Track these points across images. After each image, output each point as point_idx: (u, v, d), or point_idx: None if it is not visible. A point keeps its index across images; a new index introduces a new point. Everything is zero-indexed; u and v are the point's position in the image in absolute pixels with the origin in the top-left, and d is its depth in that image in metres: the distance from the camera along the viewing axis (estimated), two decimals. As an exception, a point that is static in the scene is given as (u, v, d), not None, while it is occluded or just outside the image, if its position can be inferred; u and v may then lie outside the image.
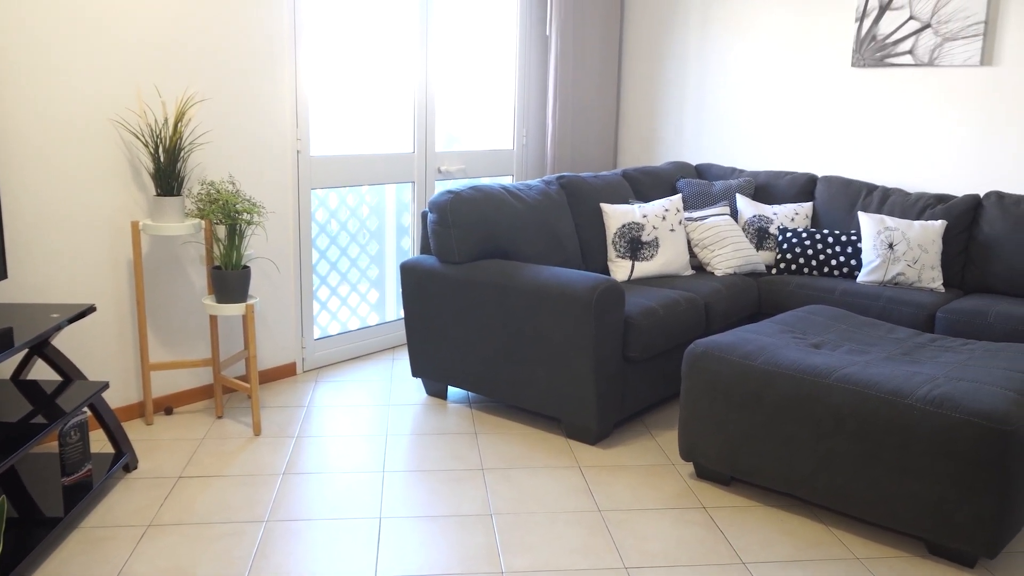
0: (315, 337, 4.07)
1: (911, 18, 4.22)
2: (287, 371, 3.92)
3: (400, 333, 4.48)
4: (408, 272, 3.57)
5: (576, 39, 4.94)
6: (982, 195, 4.05)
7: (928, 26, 4.17)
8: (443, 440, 3.25)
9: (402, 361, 4.21)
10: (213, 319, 3.42)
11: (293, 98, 3.73)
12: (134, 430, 3.27)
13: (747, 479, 2.80)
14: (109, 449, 3.09)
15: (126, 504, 2.69)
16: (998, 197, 3.92)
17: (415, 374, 3.69)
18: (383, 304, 4.44)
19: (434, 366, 3.60)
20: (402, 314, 4.50)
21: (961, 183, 4.22)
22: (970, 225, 3.96)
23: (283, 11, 3.62)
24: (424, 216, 3.63)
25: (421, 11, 4.24)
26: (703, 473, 2.97)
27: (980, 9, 4.02)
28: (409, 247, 4.51)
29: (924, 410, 2.39)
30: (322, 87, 3.92)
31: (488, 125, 4.87)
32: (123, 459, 2.85)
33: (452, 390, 3.78)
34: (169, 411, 3.45)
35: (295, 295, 3.89)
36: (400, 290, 4.51)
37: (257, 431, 3.27)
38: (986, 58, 4.08)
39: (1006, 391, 2.43)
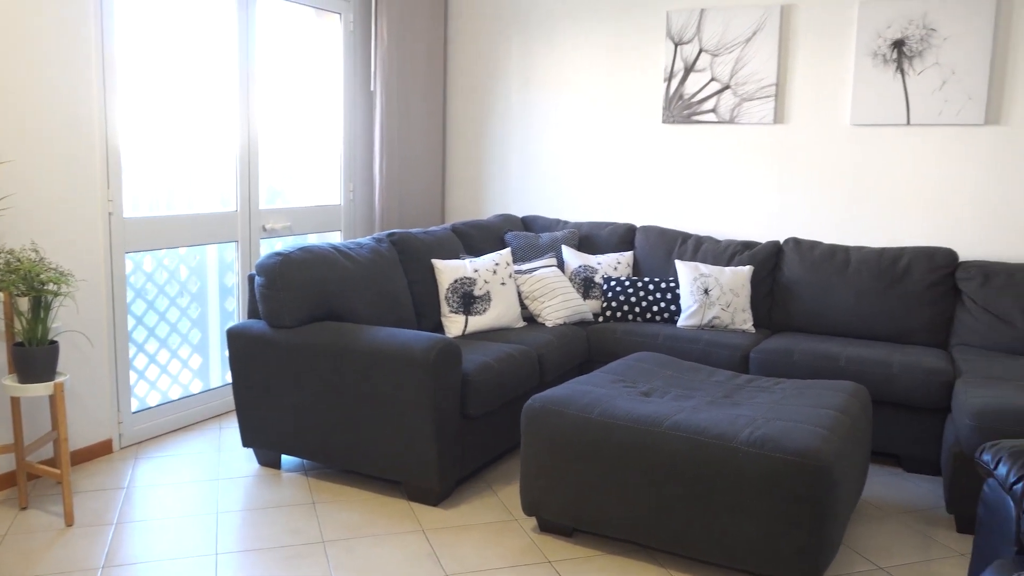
0: (133, 410, 3.79)
1: (713, 79, 4.56)
2: (102, 449, 3.63)
3: (227, 400, 4.27)
4: (235, 338, 3.42)
5: (401, 94, 4.97)
6: (782, 241, 4.41)
7: (728, 87, 4.53)
8: (279, 513, 3.11)
9: (230, 430, 4.01)
10: (15, 400, 3.11)
11: (104, 158, 3.51)
12: (-80, 531, 2.91)
13: (590, 529, 2.85)
14: None
15: (-87, 621, 2.38)
16: (795, 243, 4.28)
17: (246, 444, 3.52)
18: (207, 370, 4.22)
19: (266, 435, 3.45)
20: (228, 379, 4.31)
21: (764, 230, 4.58)
22: (773, 269, 4.29)
23: (91, 66, 3.41)
24: (251, 279, 3.50)
25: (242, 64, 4.13)
26: (546, 526, 3.01)
27: (771, 73, 4.42)
28: (234, 308, 4.33)
29: (748, 452, 2.55)
30: (136, 145, 3.72)
31: (314, 180, 4.79)
32: (-92, 568, 2.52)
33: (286, 458, 3.64)
34: (-37, 506, 3.10)
35: (109, 366, 3.62)
36: (225, 354, 4.31)
37: (69, 521, 2.99)
38: (778, 117, 4.47)
39: (816, 428, 2.64)
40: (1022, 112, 3.99)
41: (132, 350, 3.81)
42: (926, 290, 3.95)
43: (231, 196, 4.20)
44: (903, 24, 4.13)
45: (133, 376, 3.82)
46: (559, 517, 2.90)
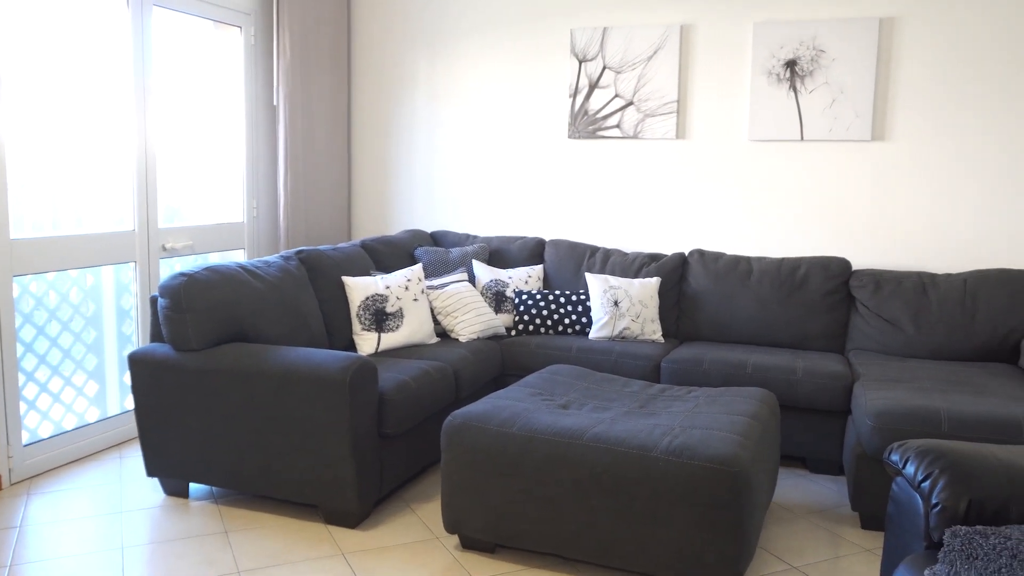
0: (24, 443, 3.57)
1: (616, 96, 4.66)
2: (-10, 486, 3.40)
3: (127, 428, 4.07)
4: (138, 363, 3.26)
5: (304, 108, 4.88)
6: (687, 253, 4.53)
7: (631, 103, 4.64)
8: (190, 545, 2.98)
9: (132, 459, 3.82)
10: None
11: (-13, 175, 3.30)
12: None
13: (514, 544, 2.85)
14: None
15: None
16: (700, 254, 4.41)
17: (150, 474, 3.36)
18: (104, 397, 4.01)
19: (173, 463, 3.30)
20: (127, 406, 4.12)
21: (669, 242, 4.71)
22: (679, 280, 4.41)
23: (-29, 79, 3.21)
24: (153, 301, 3.36)
25: (137, 78, 3.97)
26: (468, 544, 2.99)
27: (672, 90, 4.55)
28: (132, 332, 4.13)
29: (668, 461, 2.59)
30: (25, 162, 3.52)
31: (216, 197, 4.64)
32: None
33: (194, 486, 3.49)
34: None
35: (-3, 397, 3.40)
36: (122, 379, 4.12)
37: (-43, 565, 2.78)
38: (680, 132, 4.61)
39: (731, 435, 2.71)
40: (904, 129, 4.23)
41: (21, 379, 3.59)
42: (823, 298, 4.13)
43: (128, 214, 4.02)
44: (795, 45, 4.32)
45: (23, 407, 3.60)
46: (481, 534, 2.89)
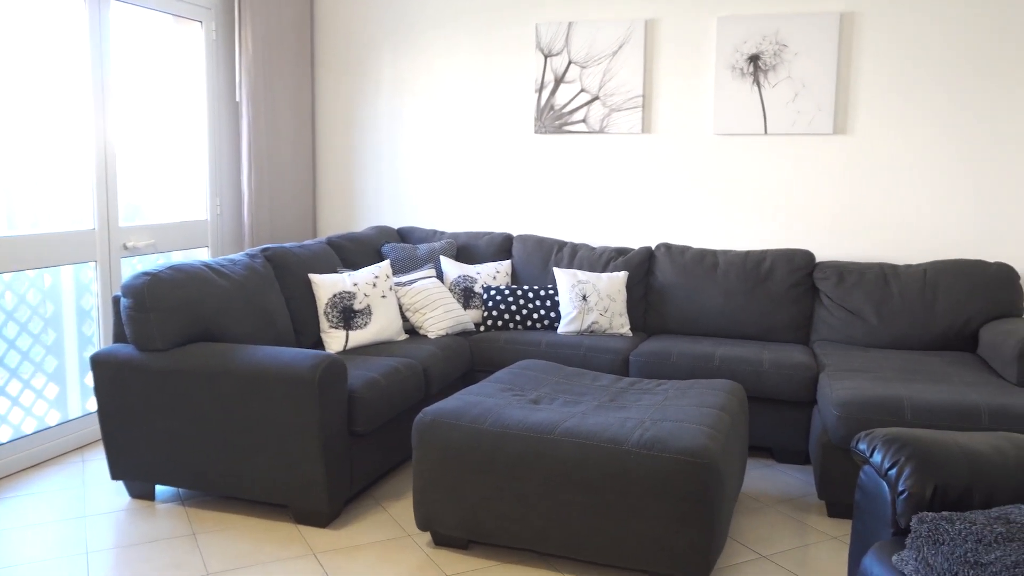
0: (-18, 448, 3.49)
1: (582, 91, 4.67)
2: (-52, 493, 3.32)
3: (89, 430, 4.00)
4: (101, 365, 3.21)
5: (268, 104, 4.82)
6: (654, 247, 4.56)
7: (597, 98, 4.65)
8: (157, 548, 2.93)
9: (95, 462, 3.75)
10: None
11: (-60, 174, 3.22)
12: None
13: (486, 540, 2.85)
14: None
15: None
16: (667, 248, 4.44)
17: (115, 477, 3.30)
18: (64, 399, 3.94)
19: (139, 465, 3.25)
20: (89, 408, 4.04)
21: (636, 236, 4.73)
22: (646, 274, 4.43)
23: (-78, 75, 3.12)
24: (116, 301, 3.30)
25: (96, 73, 3.89)
26: (441, 540, 2.98)
27: (638, 85, 4.57)
28: (93, 333, 4.06)
29: (639, 454, 2.61)
30: (-23, 160, 3.43)
31: (178, 195, 4.57)
32: None
33: (161, 489, 3.44)
34: None
35: (-46, 402, 3.32)
36: (83, 381, 4.04)
37: (-85, 574, 2.71)
38: (646, 127, 4.63)
39: (701, 427, 2.74)
40: (865, 122, 4.30)
41: (-20, 382, 3.51)
42: (788, 290, 4.18)
43: (87, 213, 3.94)
44: (757, 40, 4.36)
45: (-19, 410, 3.52)
46: (454, 530, 2.88)
